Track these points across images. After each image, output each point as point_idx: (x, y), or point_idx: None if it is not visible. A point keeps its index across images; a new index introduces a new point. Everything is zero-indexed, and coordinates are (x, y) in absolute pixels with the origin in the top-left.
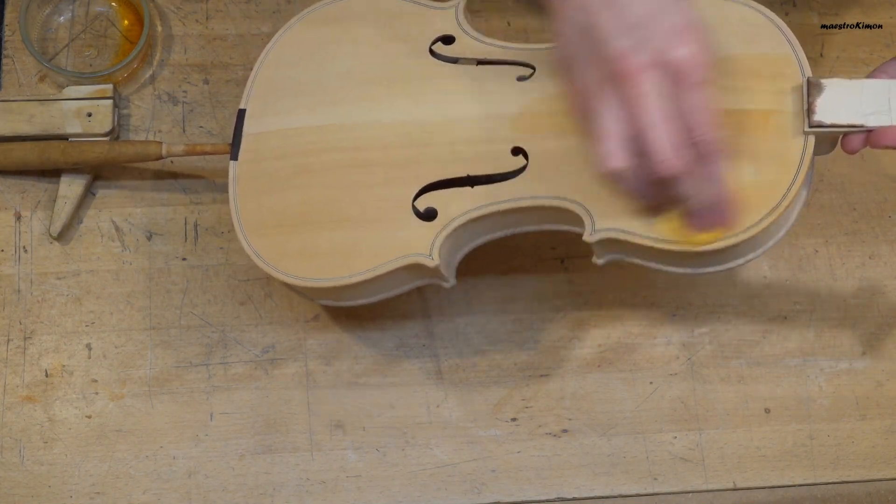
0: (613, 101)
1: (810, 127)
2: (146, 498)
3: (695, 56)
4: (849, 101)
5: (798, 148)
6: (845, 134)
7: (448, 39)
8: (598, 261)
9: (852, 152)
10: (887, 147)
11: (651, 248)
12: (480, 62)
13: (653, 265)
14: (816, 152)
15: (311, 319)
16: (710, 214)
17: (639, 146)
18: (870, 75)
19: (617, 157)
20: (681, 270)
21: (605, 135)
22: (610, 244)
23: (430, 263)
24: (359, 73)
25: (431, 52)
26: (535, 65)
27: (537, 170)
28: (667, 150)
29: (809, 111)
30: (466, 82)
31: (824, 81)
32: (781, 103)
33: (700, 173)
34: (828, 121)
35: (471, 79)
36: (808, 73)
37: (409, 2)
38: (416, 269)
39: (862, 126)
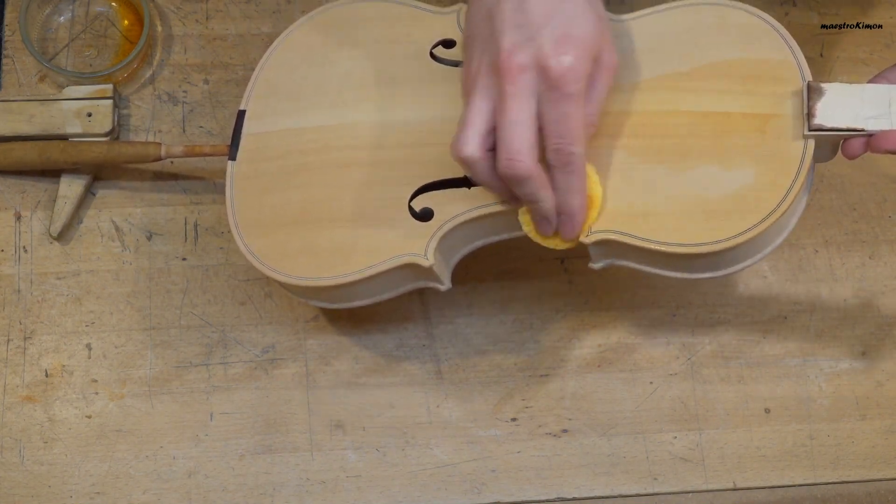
0: (487, 90)
1: (810, 130)
2: (146, 498)
3: (573, 68)
4: (849, 104)
5: (798, 151)
6: (846, 138)
7: (449, 43)
8: (595, 265)
9: (853, 157)
10: (888, 152)
11: (646, 251)
12: None
13: (648, 269)
14: (817, 158)
15: (311, 319)
16: (558, 222)
17: (496, 141)
18: (871, 80)
19: (470, 146)
20: (676, 275)
21: (468, 122)
22: (605, 246)
23: (425, 263)
24: (359, 76)
25: (432, 55)
26: None
27: None
28: (515, 149)
29: (809, 115)
30: None
31: (825, 85)
32: (781, 107)
33: (556, 181)
34: (828, 124)
35: None
36: (809, 77)
37: (410, 7)
38: (411, 269)
39: (862, 130)
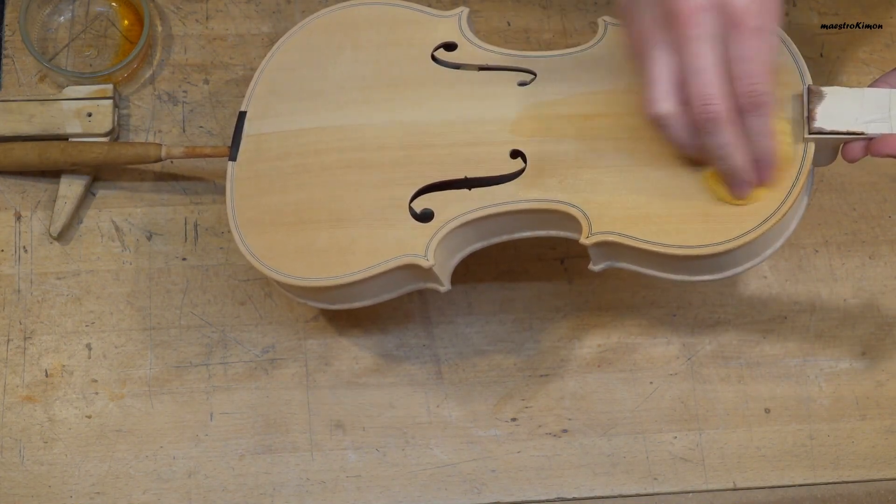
0: (665, 44)
1: (810, 134)
2: (146, 498)
3: (750, 5)
4: (849, 108)
5: (798, 154)
6: (846, 142)
7: (450, 46)
8: (595, 267)
9: (853, 160)
10: (888, 156)
11: (645, 252)
12: (482, 68)
13: (648, 271)
14: (818, 163)
15: (311, 319)
16: (749, 172)
17: (685, 92)
18: (872, 84)
19: (663, 102)
20: (676, 277)
21: (654, 79)
22: (606, 248)
23: (425, 264)
24: (360, 77)
25: (433, 58)
26: (537, 71)
27: (535, 173)
28: (710, 94)
29: (809, 118)
30: (467, 87)
31: (825, 89)
32: (782, 110)
33: (750, 127)
34: (828, 128)
35: (471, 83)
36: (809, 80)
37: (412, 10)
38: (411, 270)
39: (862, 134)
